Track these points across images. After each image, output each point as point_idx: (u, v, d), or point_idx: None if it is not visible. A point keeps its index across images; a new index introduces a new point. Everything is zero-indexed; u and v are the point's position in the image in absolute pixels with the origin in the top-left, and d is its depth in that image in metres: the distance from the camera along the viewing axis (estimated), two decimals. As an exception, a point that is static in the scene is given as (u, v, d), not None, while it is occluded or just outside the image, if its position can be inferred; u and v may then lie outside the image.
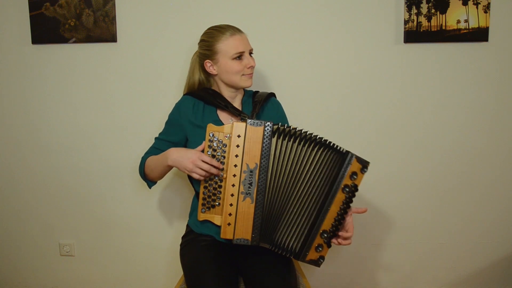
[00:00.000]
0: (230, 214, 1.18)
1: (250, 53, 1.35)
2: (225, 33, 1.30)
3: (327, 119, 1.75)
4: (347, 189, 1.17)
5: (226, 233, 1.19)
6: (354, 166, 1.17)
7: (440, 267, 1.85)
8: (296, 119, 1.59)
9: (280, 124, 1.17)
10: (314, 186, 1.19)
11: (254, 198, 1.17)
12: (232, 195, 1.18)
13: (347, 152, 1.17)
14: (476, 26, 1.66)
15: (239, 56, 1.30)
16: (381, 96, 1.74)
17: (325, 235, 1.19)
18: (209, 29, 1.36)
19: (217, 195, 1.21)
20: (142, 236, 1.82)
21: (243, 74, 1.32)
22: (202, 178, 1.19)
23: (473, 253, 1.84)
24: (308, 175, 1.19)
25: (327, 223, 1.19)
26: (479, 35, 1.67)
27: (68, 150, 1.79)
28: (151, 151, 1.39)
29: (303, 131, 1.18)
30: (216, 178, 1.20)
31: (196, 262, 1.25)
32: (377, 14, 1.69)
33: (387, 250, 1.84)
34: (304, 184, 1.19)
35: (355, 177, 1.17)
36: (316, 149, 1.18)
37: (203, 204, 1.22)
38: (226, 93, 1.38)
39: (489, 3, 1.65)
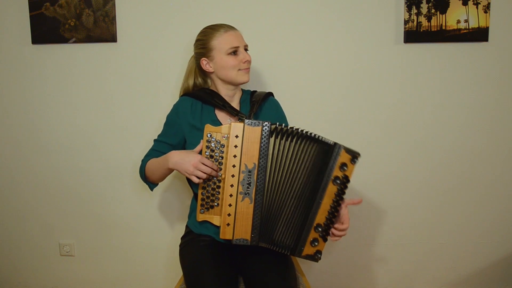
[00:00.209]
0: (229, 215, 1.18)
1: (246, 49, 1.36)
2: (219, 30, 1.32)
3: (327, 119, 1.75)
4: (338, 181, 1.17)
5: (225, 234, 1.19)
6: (343, 157, 1.16)
7: (440, 267, 1.85)
8: (296, 119, 1.59)
9: (277, 123, 1.17)
10: (306, 181, 1.19)
11: (253, 198, 1.17)
12: (230, 195, 1.17)
13: (335, 143, 1.16)
14: (476, 26, 1.66)
15: (235, 52, 1.32)
16: (381, 96, 1.74)
17: (320, 229, 1.19)
18: (203, 29, 1.38)
19: (216, 195, 1.21)
20: (142, 236, 1.82)
21: (239, 69, 1.33)
22: (201, 181, 1.18)
23: (473, 253, 1.84)
24: (301, 171, 1.18)
25: (320, 217, 1.18)
26: (479, 35, 1.67)
27: (68, 150, 1.79)
28: (151, 153, 1.39)
29: (299, 129, 1.17)
30: (214, 178, 1.20)
31: (195, 262, 1.25)
32: (377, 14, 1.69)
33: (387, 250, 1.84)
34: (298, 180, 1.19)
35: (345, 168, 1.16)
36: (306, 144, 1.17)
37: (201, 205, 1.22)
38: (224, 91, 1.38)
39: (489, 3, 1.65)
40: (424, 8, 1.66)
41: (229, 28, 1.34)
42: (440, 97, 1.74)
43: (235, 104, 1.40)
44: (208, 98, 1.35)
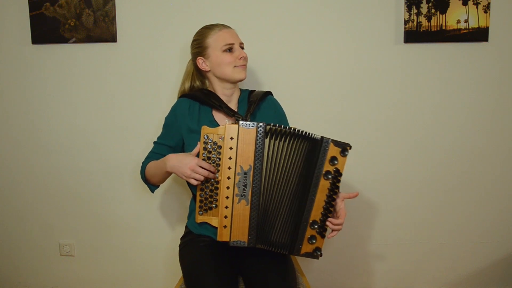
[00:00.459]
0: (225, 217, 1.18)
1: (242, 47, 1.36)
2: (214, 29, 1.34)
3: (327, 119, 1.75)
4: (330, 176, 1.15)
5: (223, 236, 1.19)
6: (332, 151, 1.14)
7: (440, 267, 1.85)
8: (296, 119, 1.59)
9: (272, 124, 1.16)
10: (299, 179, 1.18)
11: (249, 200, 1.17)
12: (227, 197, 1.17)
13: (322, 137, 1.15)
14: (476, 26, 1.66)
15: (230, 49, 1.33)
16: (381, 96, 1.74)
17: (316, 225, 1.18)
18: (199, 29, 1.39)
19: (214, 197, 1.20)
20: (142, 236, 1.83)
21: (235, 66, 1.33)
22: (199, 183, 1.18)
23: (473, 253, 1.84)
24: (294, 170, 1.18)
25: (315, 213, 1.18)
26: (479, 35, 1.67)
27: (68, 150, 1.79)
28: (150, 156, 1.39)
29: (291, 128, 1.17)
30: (212, 180, 1.20)
31: (195, 262, 1.25)
32: (377, 14, 1.69)
33: (387, 250, 1.84)
34: (292, 179, 1.18)
35: (335, 162, 1.15)
36: (297, 142, 1.17)
37: (200, 207, 1.22)
38: (222, 91, 1.38)
39: (489, 3, 1.65)
40: (424, 8, 1.66)
41: (223, 26, 1.35)
42: (440, 97, 1.74)
43: (233, 104, 1.40)
44: (205, 99, 1.35)
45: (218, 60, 1.32)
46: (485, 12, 1.65)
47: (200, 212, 1.22)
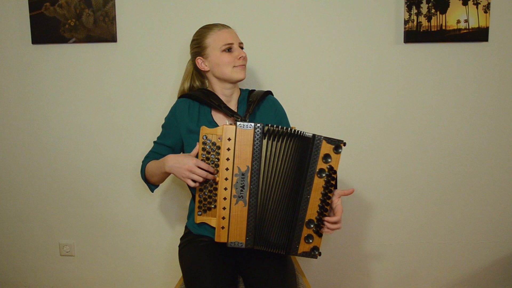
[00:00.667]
0: (223, 218, 1.17)
1: (241, 47, 1.36)
2: (213, 29, 1.34)
3: (327, 119, 1.75)
4: (324, 174, 1.14)
5: (220, 237, 1.19)
6: (325, 148, 1.13)
7: (440, 267, 1.85)
8: (296, 119, 1.59)
9: (270, 125, 1.16)
10: (294, 179, 1.17)
11: (247, 201, 1.17)
12: (224, 198, 1.17)
13: (314, 135, 1.14)
14: (476, 26, 1.66)
15: (229, 49, 1.32)
16: (381, 96, 1.74)
17: (312, 224, 1.17)
18: (198, 29, 1.39)
19: (213, 197, 1.20)
20: (141, 236, 1.83)
21: (234, 66, 1.33)
22: (197, 184, 1.18)
23: (473, 253, 1.84)
24: (289, 170, 1.17)
25: (311, 212, 1.17)
26: (479, 35, 1.67)
27: (68, 150, 1.79)
28: (150, 155, 1.39)
29: (287, 128, 1.16)
30: (211, 181, 1.19)
31: (194, 262, 1.25)
32: (377, 14, 1.69)
33: (387, 250, 1.84)
34: (287, 179, 1.18)
35: (329, 159, 1.14)
36: (291, 142, 1.16)
37: (199, 207, 1.22)
38: (221, 91, 1.38)
39: (489, 3, 1.64)
40: (424, 8, 1.66)
41: (223, 26, 1.35)
42: (440, 97, 1.74)
43: (233, 104, 1.40)
44: (205, 98, 1.35)
45: (217, 60, 1.32)
46: (485, 12, 1.65)
47: (199, 213, 1.22)
